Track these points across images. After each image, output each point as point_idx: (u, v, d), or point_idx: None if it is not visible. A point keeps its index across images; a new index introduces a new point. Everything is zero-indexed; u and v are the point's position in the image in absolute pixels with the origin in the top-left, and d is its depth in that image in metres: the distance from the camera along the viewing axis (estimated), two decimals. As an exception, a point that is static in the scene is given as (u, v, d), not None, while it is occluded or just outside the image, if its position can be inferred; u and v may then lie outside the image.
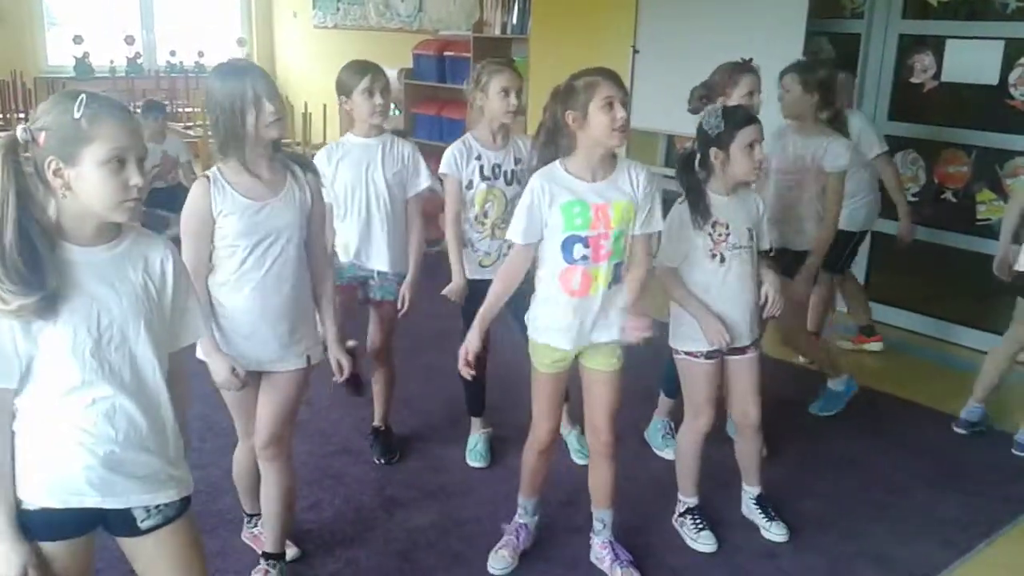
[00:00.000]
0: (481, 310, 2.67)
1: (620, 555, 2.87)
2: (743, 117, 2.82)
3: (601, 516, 2.88)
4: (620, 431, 2.79)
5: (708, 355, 2.91)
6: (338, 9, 9.21)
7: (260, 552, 2.77)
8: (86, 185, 1.62)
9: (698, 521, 3.07)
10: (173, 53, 9.91)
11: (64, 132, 1.60)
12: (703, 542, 3.03)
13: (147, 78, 9.58)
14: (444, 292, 3.36)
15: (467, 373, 2.61)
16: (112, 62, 9.52)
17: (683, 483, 3.09)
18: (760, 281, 2.94)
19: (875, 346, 4.66)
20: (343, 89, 3.20)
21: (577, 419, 3.36)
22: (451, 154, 3.31)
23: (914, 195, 3.73)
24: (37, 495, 1.72)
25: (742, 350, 2.95)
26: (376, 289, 3.35)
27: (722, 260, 2.84)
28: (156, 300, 1.76)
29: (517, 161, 3.31)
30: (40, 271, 1.59)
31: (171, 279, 1.80)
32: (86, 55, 9.36)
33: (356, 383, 3.66)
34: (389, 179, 3.24)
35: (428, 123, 8.08)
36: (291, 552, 2.84)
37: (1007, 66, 4.64)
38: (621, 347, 2.68)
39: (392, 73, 8.19)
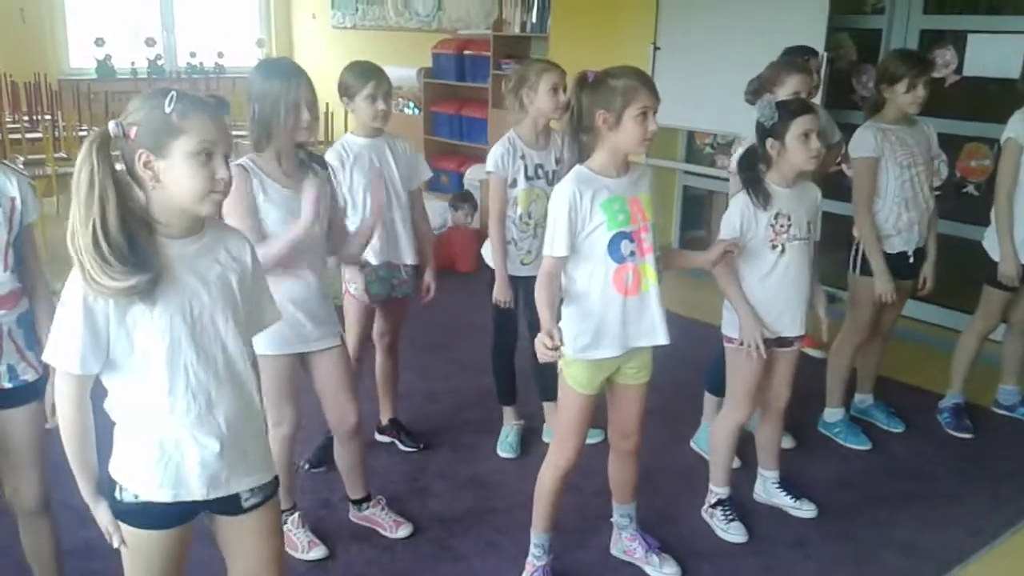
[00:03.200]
0: (544, 302, 2.45)
1: (651, 543, 2.92)
2: (797, 107, 2.85)
3: (627, 511, 2.91)
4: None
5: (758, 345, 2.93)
6: (357, 9, 9.27)
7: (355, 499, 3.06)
8: (175, 176, 1.68)
9: (728, 512, 3.11)
10: (193, 55, 10.01)
11: (155, 125, 1.66)
12: (733, 533, 3.07)
13: (168, 79, 9.66)
14: (494, 299, 3.40)
15: (553, 356, 2.37)
16: (133, 64, 9.62)
17: (716, 474, 3.13)
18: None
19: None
20: (346, 91, 3.22)
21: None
22: (497, 152, 3.35)
23: (936, 189, 3.74)
24: (148, 489, 1.79)
25: (789, 342, 2.99)
26: (399, 288, 3.38)
27: (782, 251, 2.87)
28: (239, 289, 1.83)
29: (558, 161, 3.33)
30: (143, 255, 1.65)
31: (250, 268, 1.87)
32: (108, 57, 9.46)
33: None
34: (402, 175, 3.30)
35: (447, 122, 8.14)
36: (319, 552, 2.91)
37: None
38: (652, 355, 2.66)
39: (411, 72, 8.26)
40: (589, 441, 2.73)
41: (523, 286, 2.79)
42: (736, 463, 3.24)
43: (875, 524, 3.18)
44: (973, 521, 3.20)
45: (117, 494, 1.81)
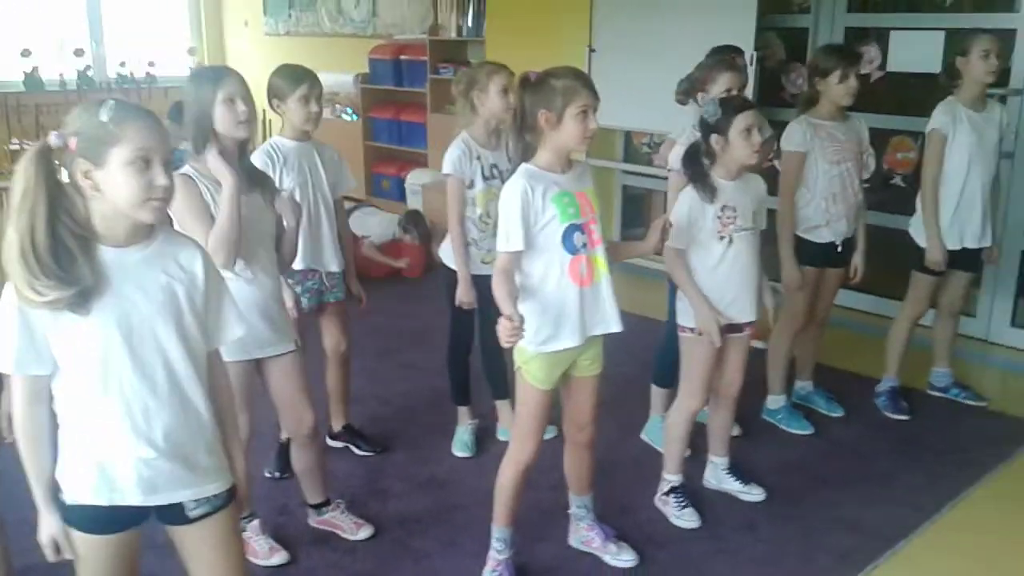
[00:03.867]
0: (504, 294, 2.47)
1: (608, 532, 2.99)
2: (739, 104, 2.96)
3: (584, 502, 2.98)
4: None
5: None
6: (290, 16, 9.22)
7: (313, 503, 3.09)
8: (113, 185, 1.69)
9: (681, 499, 3.19)
10: (123, 64, 9.84)
11: (92, 135, 1.68)
12: (687, 519, 3.16)
13: (99, 91, 9.48)
14: (457, 302, 3.42)
15: (515, 340, 2.41)
16: (62, 75, 9.42)
17: (669, 461, 3.22)
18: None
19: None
20: (277, 93, 3.19)
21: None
22: (454, 154, 3.38)
23: (865, 182, 3.89)
24: (83, 493, 1.80)
25: (739, 328, 3.08)
26: (329, 293, 3.39)
27: (730, 242, 2.97)
28: (187, 300, 1.82)
29: (511, 160, 3.39)
30: (72, 269, 1.66)
31: (201, 278, 1.86)
32: (35, 69, 9.26)
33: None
34: (330, 182, 3.30)
35: (386, 127, 8.15)
36: (280, 557, 2.93)
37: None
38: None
39: (348, 78, 8.26)
40: (544, 437, 2.78)
41: (484, 285, 2.84)
42: (686, 452, 3.33)
43: (821, 504, 3.29)
44: (914, 498, 3.34)
45: (61, 496, 1.82)
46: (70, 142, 1.68)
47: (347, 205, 5.44)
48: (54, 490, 1.82)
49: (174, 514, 1.87)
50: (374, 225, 6.23)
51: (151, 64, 9.88)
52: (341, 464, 3.55)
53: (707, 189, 2.95)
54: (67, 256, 1.65)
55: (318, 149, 3.30)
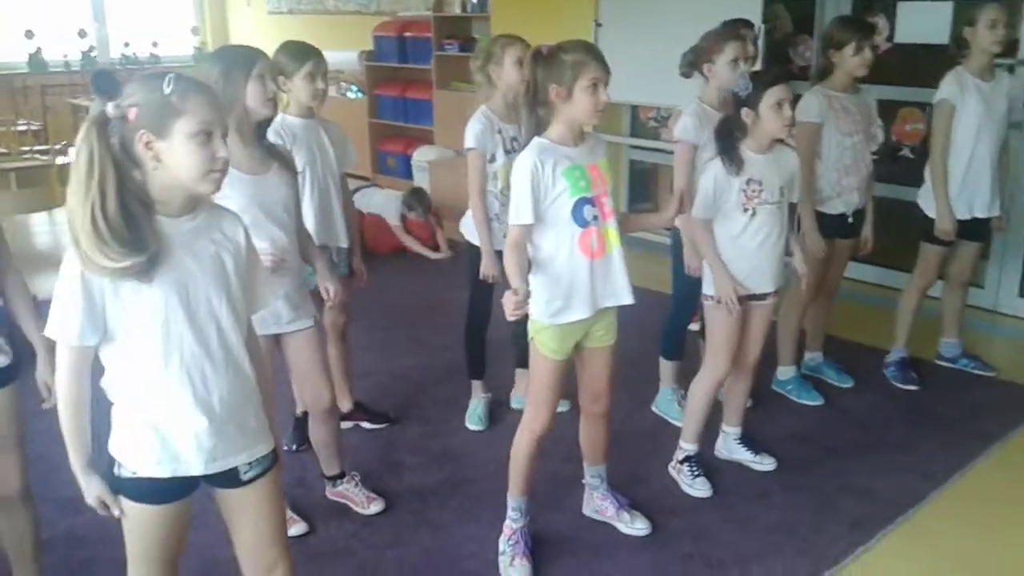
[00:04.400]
0: (515, 268, 2.52)
1: (621, 502, 3.03)
2: (771, 78, 2.95)
3: (598, 472, 3.02)
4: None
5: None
6: (293, -6, 9.22)
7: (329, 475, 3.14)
8: (176, 157, 1.71)
9: (695, 468, 3.23)
10: (127, 45, 9.86)
11: (155, 107, 1.69)
12: (699, 487, 3.20)
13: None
14: (482, 275, 3.42)
15: (520, 314, 2.43)
16: (66, 56, 9.45)
17: (688, 430, 3.25)
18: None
19: None
20: (282, 71, 3.17)
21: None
22: (476, 128, 3.39)
23: (873, 153, 3.90)
24: (146, 466, 1.82)
25: (762, 297, 3.11)
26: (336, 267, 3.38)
27: (753, 214, 2.98)
28: (233, 267, 1.86)
29: (525, 134, 3.39)
30: (140, 235, 1.68)
31: (244, 247, 1.90)
32: (39, 50, 9.27)
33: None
34: (337, 157, 3.30)
35: (391, 104, 8.15)
36: (299, 527, 2.96)
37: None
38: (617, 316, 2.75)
39: (352, 56, 8.25)
40: (558, 410, 2.81)
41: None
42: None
43: (831, 473, 3.33)
44: (925, 466, 3.37)
45: (116, 471, 1.84)
46: (129, 113, 1.69)
47: (355, 184, 5.49)
48: (92, 456, 1.85)
49: (227, 478, 1.90)
50: (379, 203, 6.22)
51: (155, 44, 9.89)
52: (355, 438, 3.58)
53: (735, 162, 2.96)
54: (134, 223, 1.68)
55: (324, 126, 3.30)
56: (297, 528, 2.95)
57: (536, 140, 2.59)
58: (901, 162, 5.25)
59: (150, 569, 1.92)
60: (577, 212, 2.55)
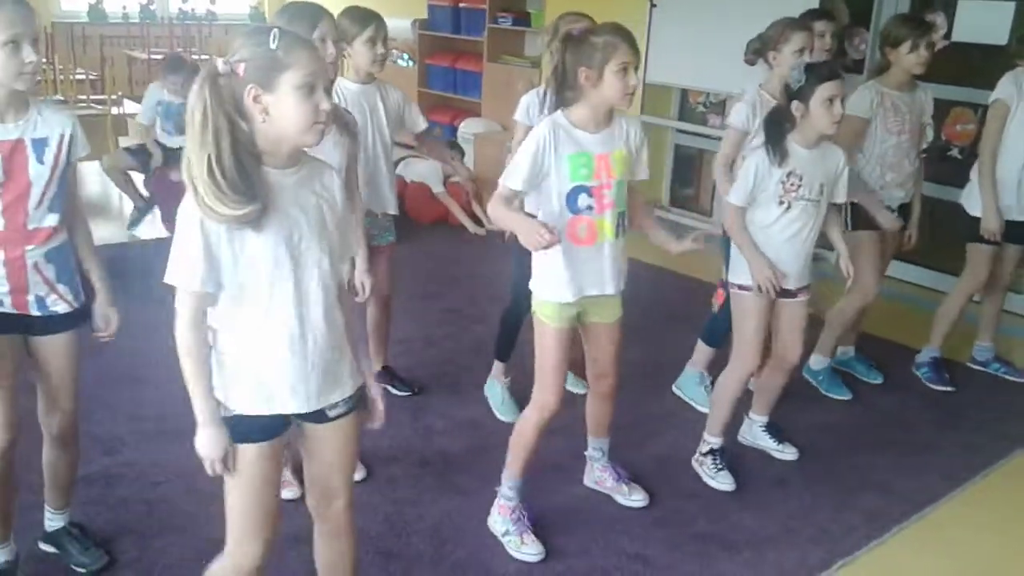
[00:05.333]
0: (510, 212, 2.54)
1: (621, 474, 3.09)
2: (825, 72, 2.91)
3: (600, 444, 3.07)
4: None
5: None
6: (351, -42, 9.25)
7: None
8: (283, 109, 1.76)
9: (718, 462, 3.24)
10: (185, 0, 9.96)
11: (263, 62, 1.75)
12: (721, 481, 3.21)
13: (160, 25, 9.63)
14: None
15: (550, 240, 2.38)
16: (125, 8, 9.58)
17: (713, 423, 3.26)
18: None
19: None
20: (343, 35, 3.17)
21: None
22: (526, 101, 3.42)
23: (923, 151, 3.88)
24: (249, 404, 1.90)
25: (792, 293, 3.10)
26: (380, 236, 3.42)
27: (788, 207, 2.98)
28: (331, 218, 1.92)
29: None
30: (253, 185, 1.75)
31: (339, 200, 1.97)
32: (100, 1, 9.41)
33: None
34: (391, 123, 3.33)
35: (442, 74, 8.18)
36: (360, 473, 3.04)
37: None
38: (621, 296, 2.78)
39: (406, 24, 8.27)
40: (578, 391, 2.81)
41: None
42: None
43: (853, 467, 3.35)
44: (946, 467, 3.38)
45: (228, 411, 1.90)
46: (238, 68, 1.74)
47: (399, 152, 5.52)
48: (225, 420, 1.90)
49: (316, 415, 1.98)
50: (422, 171, 6.26)
51: (212, 1, 9.99)
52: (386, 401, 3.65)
53: (778, 152, 2.95)
54: (246, 174, 1.74)
55: (382, 91, 3.34)
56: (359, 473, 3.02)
57: (557, 114, 2.60)
58: (949, 162, 5.20)
59: (250, 515, 1.96)
60: (572, 198, 2.57)
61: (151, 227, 5.64)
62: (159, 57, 8.84)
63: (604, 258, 2.65)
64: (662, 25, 5.95)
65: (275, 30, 1.77)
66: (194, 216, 1.75)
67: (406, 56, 8.50)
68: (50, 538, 2.66)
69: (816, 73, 2.92)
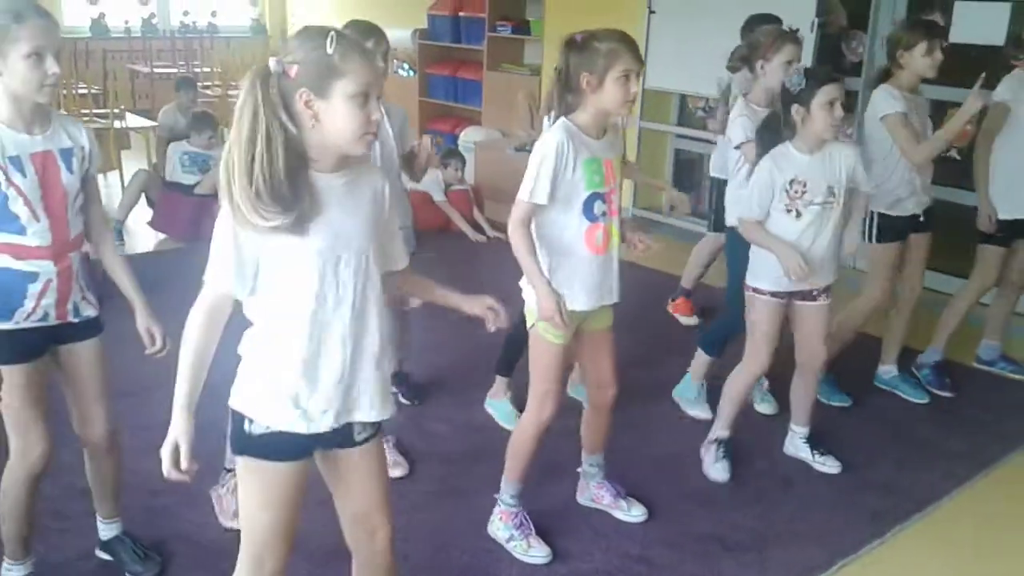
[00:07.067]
0: (531, 259, 2.52)
1: (618, 490, 3.04)
2: (824, 75, 2.94)
3: (595, 460, 3.00)
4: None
5: (773, 294, 3.08)
6: (350, -30, 9.30)
7: None
8: (334, 117, 1.71)
9: (721, 452, 3.26)
10: (186, 13, 10.03)
11: (318, 66, 1.69)
12: (717, 471, 3.24)
13: (162, 38, 9.70)
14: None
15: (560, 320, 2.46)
16: (127, 22, 9.64)
17: (722, 418, 3.28)
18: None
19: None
20: None
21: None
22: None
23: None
24: (283, 420, 1.81)
25: (812, 296, 3.11)
26: None
27: (797, 215, 2.98)
28: (378, 226, 1.87)
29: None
30: (296, 192, 1.69)
31: (387, 206, 1.91)
32: (102, 16, 9.48)
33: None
34: (396, 138, 3.34)
35: (443, 84, 8.22)
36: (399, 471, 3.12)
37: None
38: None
39: (406, 34, 8.32)
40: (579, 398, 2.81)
41: None
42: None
43: (856, 466, 3.35)
44: (948, 466, 3.38)
45: (246, 427, 1.83)
46: (290, 70, 1.69)
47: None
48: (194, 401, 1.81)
49: (345, 436, 1.89)
50: (424, 180, 6.25)
51: (213, 14, 10.05)
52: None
53: (777, 160, 2.97)
54: (292, 178, 1.68)
55: (385, 106, 3.35)
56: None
57: (563, 121, 2.56)
58: (948, 163, 5.19)
59: (265, 538, 1.88)
60: (588, 206, 2.56)
61: (145, 240, 5.62)
62: (161, 71, 8.89)
63: (615, 265, 2.65)
64: (661, 31, 5.98)
65: (332, 33, 1.71)
66: (229, 221, 1.71)
67: (406, 66, 8.54)
68: (105, 546, 2.69)
69: (816, 77, 2.94)
